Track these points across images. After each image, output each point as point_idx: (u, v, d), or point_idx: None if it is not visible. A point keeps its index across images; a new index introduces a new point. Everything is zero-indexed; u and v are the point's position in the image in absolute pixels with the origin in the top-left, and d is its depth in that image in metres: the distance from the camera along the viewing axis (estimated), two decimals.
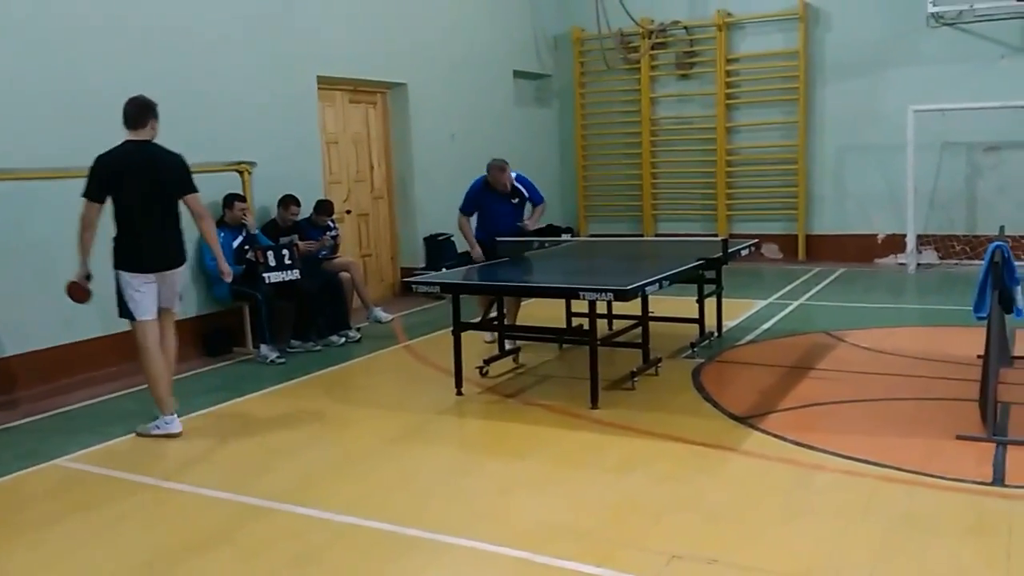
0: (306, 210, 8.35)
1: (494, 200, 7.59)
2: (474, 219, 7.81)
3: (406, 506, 4.25)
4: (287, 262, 7.59)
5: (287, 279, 7.57)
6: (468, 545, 3.77)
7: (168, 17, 7.57)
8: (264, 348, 7.41)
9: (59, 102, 6.76)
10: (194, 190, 5.55)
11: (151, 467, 4.96)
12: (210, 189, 7.74)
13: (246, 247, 7.67)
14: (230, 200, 7.71)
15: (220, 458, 5.20)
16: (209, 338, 7.73)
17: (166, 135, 7.44)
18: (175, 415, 5.56)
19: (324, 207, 8.48)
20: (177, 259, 5.60)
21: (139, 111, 5.49)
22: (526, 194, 7.68)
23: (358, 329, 8.16)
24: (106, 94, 7.02)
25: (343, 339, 7.93)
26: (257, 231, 7.88)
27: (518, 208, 7.70)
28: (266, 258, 7.49)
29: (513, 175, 7.61)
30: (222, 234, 7.67)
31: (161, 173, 5.47)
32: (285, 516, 4.18)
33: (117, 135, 7.03)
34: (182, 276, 5.79)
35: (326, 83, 9.34)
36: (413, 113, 10.49)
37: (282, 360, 7.35)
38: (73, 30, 6.87)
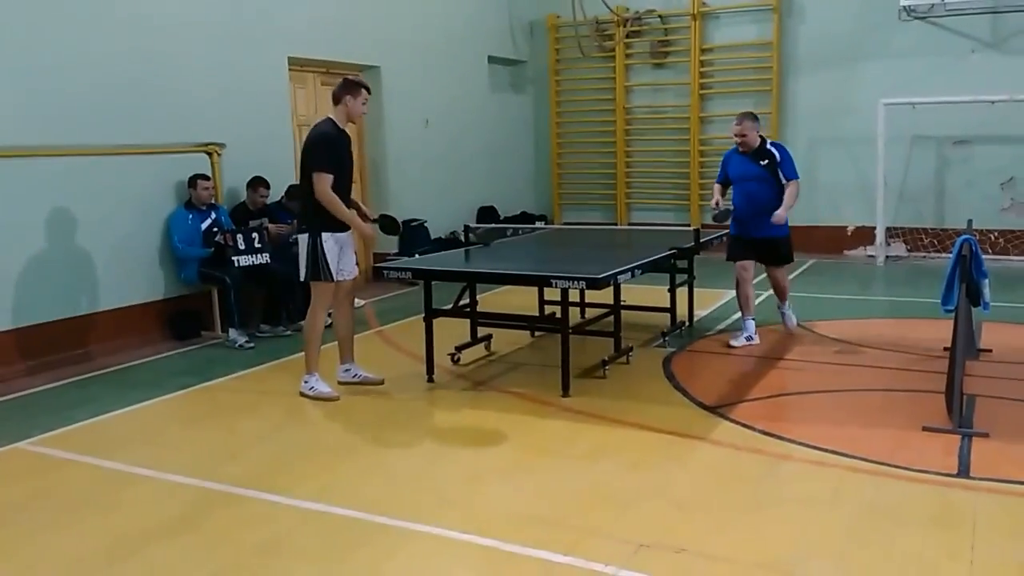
0: (277, 193, 8.25)
1: (741, 161, 6.91)
2: None
3: (374, 493, 4.22)
4: (257, 245, 7.50)
5: (257, 263, 7.48)
6: (436, 533, 3.75)
7: None
8: (233, 332, 7.33)
9: (22, 82, 6.60)
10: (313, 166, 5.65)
11: (115, 452, 4.88)
12: (178, 170, 7.69)
13: (215, 229, 7.57)
14: (193, 180, 7.60)
15: (186, 443, 5.13)
16: (177, 321, 7.63)
17: (134, 116, 7.39)
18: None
19: (295, 191, 8.35)
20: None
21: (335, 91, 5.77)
22: (777, 157, 6.79)
23: (329, 314, 8.07)
24: (71, 74, 6.91)
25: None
26: (222, 212, 7.80)
27: (768, 171, 6.77)
28: (235, 241, 7.39)
29: (768, 144, 6.90)
30: (190, 216, 7.60)
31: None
32: (251, 502, 4.14)
33: (79, 114, 6.96)
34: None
35: (297, 65, 9.22)
36: (386, 97, 10.39)
37: (251, 345, 7.28)
38: (39, 9, 6.70)
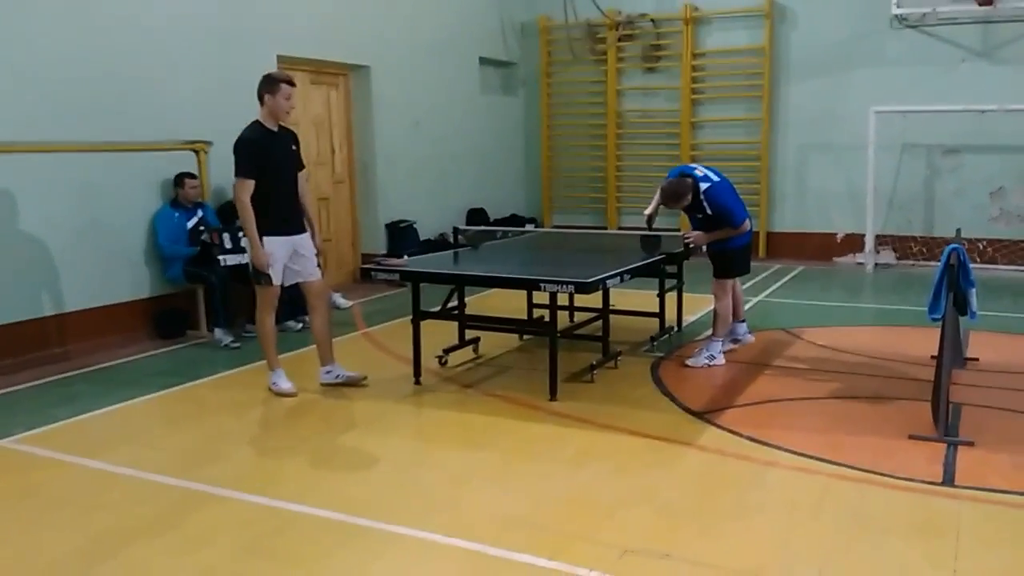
0: None
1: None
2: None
3: (358, 496, 4.19)
4: (243, 244, 7.44)
5: (243, 262, 7.42)
6: (420, 536, 3.73)
7: None
8: (218, 332, 7.29)
9: (6, 77, 6.55)
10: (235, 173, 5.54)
11: (97, 451, 4.84)
12: (165, 168, 7.65)
13: (201, 228, 7.53)
14: (180, 178, 7.55)
15: (169, 443, 5.09)
16: (162, 320, 7.58)
17: (121, 112, 7.35)
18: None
19: None
20: None
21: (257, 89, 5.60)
22: (708, 212, 6.32)
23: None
24: (57, 70, 6.85)
25: (300, 325, 7.81)
26: (208, 211, 7.76)
27: (703, 224, 6.43)
28: (221, 240, 7.35)
29: (705, 186, 6.27)
30: (176, 214, 7.56)
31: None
32: (234, 503, 4.10)
33: (65, 110, 6.91)
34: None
35: (287, 63, 9.15)
36: (376, 97, 10.36)
37: (237, 345, 7.23)
38: (24, 4, 6.65)
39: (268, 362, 5.92)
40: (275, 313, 5.92)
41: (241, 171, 5.47)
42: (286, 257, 5.69)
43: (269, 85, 5.52)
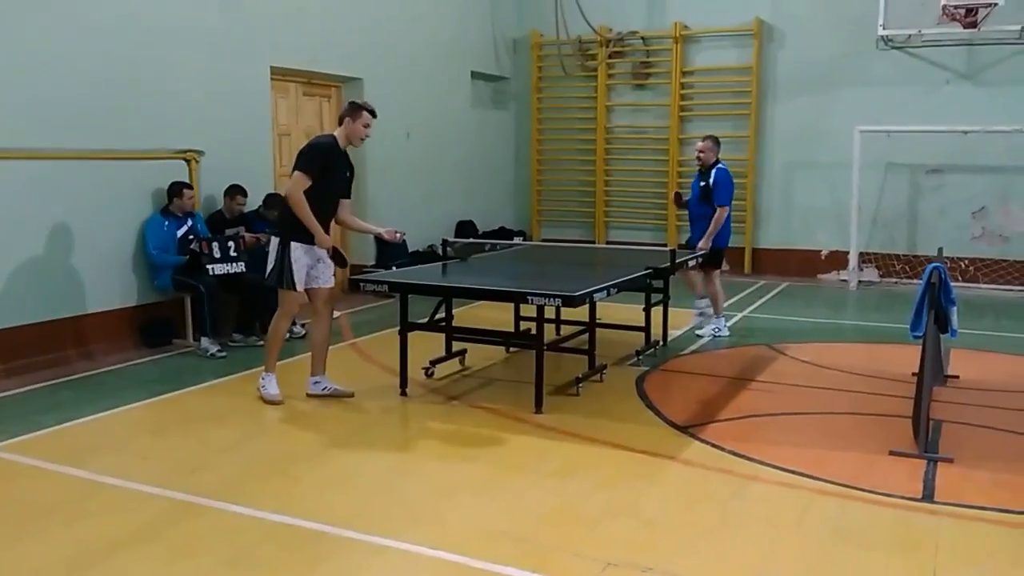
0: (254, 202, 8.22)
1: (696, 176, 8.02)
2: None
3: (343, 507, 4.20)
4: (232, 254, 7.47)
5: (232, 271, 7.44)
6: (404, 548, 3.74)
7: (120, 1, 7.38)
8: (205, 341, 7.28)
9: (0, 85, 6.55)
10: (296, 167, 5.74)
11: (82, 459, 4.82)
12: (155, 176, 7.65)
13: (190, 236, 7.53)
14: (179, 189, 7.55)
15: (154, 453, 5.08)
16: (148, 329, 7.56)
17: (112, 121, 7.35)
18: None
19: (273, 201, 8.33)
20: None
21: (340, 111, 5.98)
22: (712, 181, 7.73)
23: (303, 325, 8.04)
24: (50, 78, 6.86)
25: (287, 335, 7.79)
26: (199, 220, 7.76)
27: (706, 193, 7.78)
28: (211, 249, 7.36)
29: (722, 165, 7.83)
30: (165, 223, 7.56)
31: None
32: (218, 514, 4.10)
33: (56, 118, 6.92)
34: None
35: (279, 74, 9.22)
36: None
37: (223, 354, 7.23)
38: (17, 12, 6.66)
39: (267, 364, 5.96)
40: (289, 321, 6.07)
41: (305, 167, 5.64)
42: (310, 264, 5.81)
43: (352, 110, 5.83)
